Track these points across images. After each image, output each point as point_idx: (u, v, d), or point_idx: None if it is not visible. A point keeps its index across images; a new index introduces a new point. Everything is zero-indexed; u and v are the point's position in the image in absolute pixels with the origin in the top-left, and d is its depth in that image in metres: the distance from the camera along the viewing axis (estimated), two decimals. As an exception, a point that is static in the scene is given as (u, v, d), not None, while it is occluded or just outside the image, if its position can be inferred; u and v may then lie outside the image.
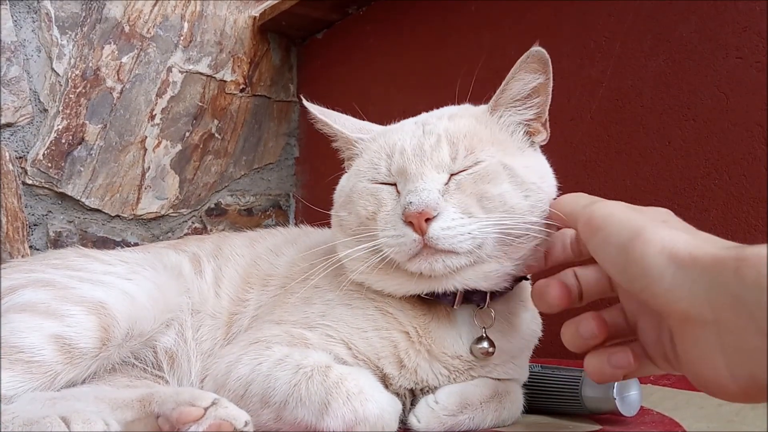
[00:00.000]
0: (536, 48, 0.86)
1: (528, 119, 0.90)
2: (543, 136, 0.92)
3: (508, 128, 0.90)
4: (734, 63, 1.15)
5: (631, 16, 1.31)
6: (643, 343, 0.65)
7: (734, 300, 0.47)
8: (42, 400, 0.77)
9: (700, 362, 0.53)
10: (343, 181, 0.96)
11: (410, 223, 0.79)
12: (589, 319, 0.68)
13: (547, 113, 0.90)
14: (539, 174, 0.87)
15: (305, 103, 1.04)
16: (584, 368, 0.69)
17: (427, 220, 0.78)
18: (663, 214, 0.63)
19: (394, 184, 0.87)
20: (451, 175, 0.84)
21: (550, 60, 0.87)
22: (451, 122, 0.89)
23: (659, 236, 0.55)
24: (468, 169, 0.84)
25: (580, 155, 1.37)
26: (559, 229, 0.82)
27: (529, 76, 0.87)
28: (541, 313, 1.00)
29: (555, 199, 0.84)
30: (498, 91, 0.89)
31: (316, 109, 1.01)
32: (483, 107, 0.93)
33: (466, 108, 0.96)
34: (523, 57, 0.86)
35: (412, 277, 0.83)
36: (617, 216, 0.61)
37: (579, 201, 0.71)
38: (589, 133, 1.37)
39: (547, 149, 0.96)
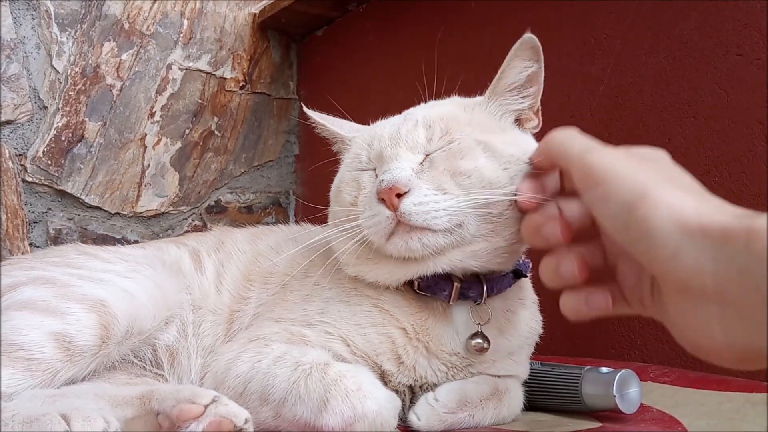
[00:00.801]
0: (528, 35, 0.87)
1: (522, 109, 0.90)
2: (534, 123, 0.92)
3: (498, 116, 0.90)
4: (734, 60, 1.15)
5: (631, 13, 1.31)
6: (621, 284, 0.62)
7: (741, 272, 0.46)
8: (42, 397, 0.77)
9: (692, 328, 0.51)
10: (336, 177, 0.98)
11: (383, 201, 0.79)
12: (571, 259, 0.63)
13: (539, 102, 0.91)
14: (520, 147, 0.85)
15: (304, 108, 1.06)
16: (560, 305, 0.65)
17: (400, 196, 0.78)
18: (666, 165, 0.59)
19: (375, 170, 0.88)
20: (427, 155, 0.84)
21: (541, 48, 0.87)
22: (431, 109, 0.91)
23: (667, 199, 0.52)
24: (442, 148, 0.84)
25: (580, 153, 1.36)
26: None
27: (524, 64, 0.88)
28: (541, 311, 1.00)
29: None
30: (495, 80, 0.89)
31: (314, 114, 1.03)
32: (477, 98, 0.93)
33: (455, 98, 0.96)
34: (516, 44, 0.87)
35: (398, 262, 0.83)
36: (620, 171, 0.56)
37: (573, 144, 0.64)
38: (590, 130, 1.35)
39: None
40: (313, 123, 1.04)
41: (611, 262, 0.64)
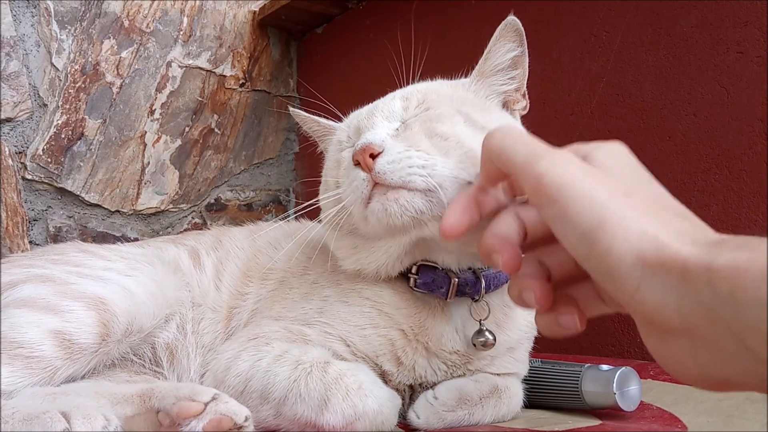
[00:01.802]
0: (511, 17, 0.87)
1: (508, 91, 0.90)
2: (522, 104, 0.92)
3: (480, 94, 0.90)
4: (735, 58, 1.15)
5: (631, 10, 1.31)
6: (596, 286, 0.58)
7: (708, 311, 0.43)
8: (42, 395, 0.77)
9: (666, 360, 0.49)
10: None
11: (359, 164, 0.78)
12: (530, 289, 0.58)
13: (525, 85, 0.91)
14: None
15: (291, 109, 1.07)
16: (535, 321, 0.62)
17: (374, 157, 0.76)
18: (623, 169, 0.54)
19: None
20: (403, 123, 0.84)
21: (524, 31, 0.88)
22: (412, 86, 0.91)
23: (626, 229, 0.47)
24: (418, 115, 0.84)
25: (580, 150, 1.36)
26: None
27: (509, 45, 0.88)
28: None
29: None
30: (480, 61, 0.90)
31: (300, 112, 1.05)
32: (462, 80, 0.93)
33: (439, 81, 0.96)
34: (500, 26, 0.88)
35: (387, 236, 0.81)
36: (576, 189, 0.50)
37: (516, 149, 0.56)
38: (590, 127, 1.37)
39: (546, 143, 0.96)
40: (301, 121, 1.05)
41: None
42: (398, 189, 0.75)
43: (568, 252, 0.54)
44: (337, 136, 0.95)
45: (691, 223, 0.50)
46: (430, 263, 0.85)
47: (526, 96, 0.92)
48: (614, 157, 0.56)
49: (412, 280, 0.86)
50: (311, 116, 1.03)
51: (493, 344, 0.86)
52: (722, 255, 0.43)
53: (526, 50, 0.88)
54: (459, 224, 0.63)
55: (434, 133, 0.79)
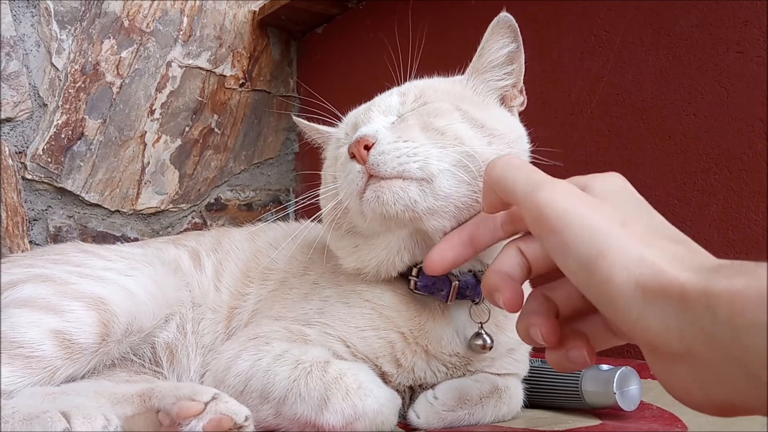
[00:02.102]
0: (504, 14, 0.87)
1: (505, 86, 0.90)
2: (520, 100, 0.92)
3: (478, 91, 0.90)
4: (735, 57, 1.15)
5: (631, 10, 1.31)
6: (604, 319, 0.59)
7: (708, 336, 0.43)
8: (42, 395, 0.77)
9: (671, 386, 0.49)
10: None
11: (353, 156, 0.78)
12: (537, 326, 0.59)
13: (522, 81, 0.91)
14: (505, 124, 0.84)
15: (294, 118, 1.08)
16: (546, 358, 0.62)
17: (368, 149, 0.76)
18: (622, 198, 0.55)
19: None
20: (399, 117, 0.84)
21: (518, 27, 0.88)
22: (410, 82, 0.92)
23: (625, 258, 0.48)
24: (415, 109, 0.84)
25: (580, 150, 1.36)
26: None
27: (502, 41, 0.88)
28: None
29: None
30: (474, 58, 0.90)
31: (302, 122, 1.06)
32: (458, 76, 0.93)
33: (437, 78, 0.97)
34: (493, 23, 0.88)
35: (384, 230, 0.81)
36: (575, 219, 0.51)
37: (516, 179, 0.58)
38: (590, 127, 1.37)
39: (547, 144, 0.96)
40: (303, 129, 1.06)
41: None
42: (392, 179, 0.75)
43: (573, 286, 0.55)
44: (336, 134, 0.95)
45: (689, 248, 0.51)
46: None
47: (524, 92, 0.91)
48: (612, 186, 0.57)
49: (412, 282, 0.85)
50: (312, 125, 1.03)
51: (491, 347, 0.86)
52: (720, 281, 0.43)
53: (521, 46, 0.88)
54: (443, 260, 0.68)
55: (430, 127, 0.79)
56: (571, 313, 0.61)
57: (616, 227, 0.50)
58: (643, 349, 0.51)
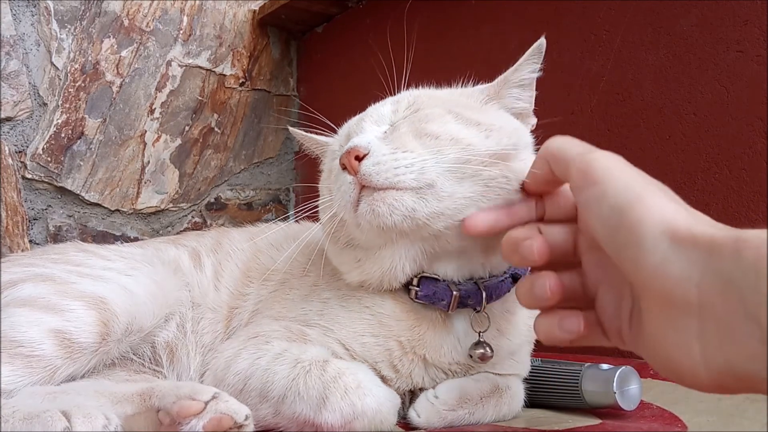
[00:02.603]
0: (543, 40, 0.87)
1: (518, 107, 0.90)
2: (533, 122, 0.92)
3: (484, 100, 0.89)
4: (735, 56, 1.15)
5: (631, 9, 1.31)
6: (599, 315, 0.61)
7: (727, 283, 0.45)
8: (42, 394, 0.77)
9: (670, 346, 0.50)
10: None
11: (345, 168, 0.76)
12: (545, 278, 0.62)
13: (533, 104, 0.91)
14: (500, 120, 0.83)
15: (290, 129, 1.08)
16: (534, 327, 0.64)
17: (360, 160, 0.75)
18: (660, 183, 0.58)
19: None
20: (392, 126, 0.83)
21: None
22: (406, 91, 0.91)
23: (660, 206, 0.51)
24: (407, 117, 0.83)
25: (580, 149, 1.36)
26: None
27: (533, 66, 0.88)
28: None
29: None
30: (509, 71, 0.88)
31: (299, 133, 1.05)
32: (478, 87, 0.92)
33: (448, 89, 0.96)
34: (535, 45, 0.86)
35: (385, 242, 0.80)
36: (619, 173, 0.56)
37: (572, 146, 0.63)
38: (590, 126, 1.36)
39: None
40: (300, 139, 1.05)
41: (590, 291, 0.63)
42: (386, 189, 0.73)
43: (581, 275, 0.62)
44: (331, 146, 0.94)
45: (722, 224, 0.53)
46: (431, 275, 0.83)
47: (532, 116, 0.92)
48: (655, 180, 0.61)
49: (413, 291, 0.84)
50: (309, 135, 1.02)
51: (491, 357, 0.85)
52: (749, 232, 0.46)
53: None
54: (484, 220, 0.70)
55: (423, 133, 0.78)
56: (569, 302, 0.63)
57: (654, 189, 0.54)
58: (649, 301, 0.52)
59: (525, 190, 0.72)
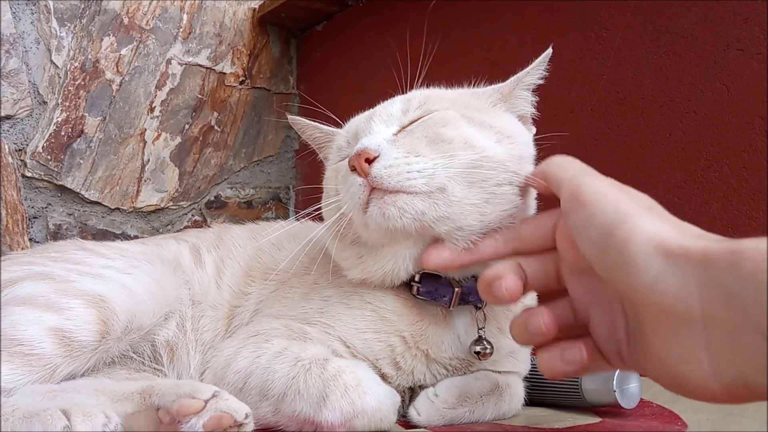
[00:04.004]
0: (551, 50, 0.88)
1: (523, 111, 0.90)
2: (532, 130, 0.92)
3: (491, 101, 0.90)
4: (735, 55, 1.15)
5: (631, 8, 1.31)
6: (595, 339, 0.61)
7: (727, 295, 0.44)
8: (42, 392, 0.77)
9: (677, 360, 0.49)
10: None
11: (354, 169, 0.76)
12: (538, 314, 0.62)
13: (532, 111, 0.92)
14: (511, 126, 0.84)
15: (289, 117, 1.06)
16: (537, 364, 0.64)
17: (370, 162, 0.75)
18: (649, 200, 0.59)
19: None
20: (402, 127, 0.83)
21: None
22: (416, 90, 0.91)
23: (648, 224, 0.51)
24: (420, 119, 0.82)
25: (580, 148, 1.36)
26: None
27: (542, 73, 0.89)
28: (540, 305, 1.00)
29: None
30: (521, 73, 0.89)
31: (302, 120, 1.03)
32: (486, 88, 0.93)
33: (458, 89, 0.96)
34: (546, 53, 0.89)
35: (390, 241, 0.80)
36: (607, 195, 0.56)
37: (567, 168, 0.64)
38: (590, 125, 1.36)
39: (546, 141, 0.96)
40: (301, 128, 1.03)
41: (582, 317, 0.62)
42: (396, 193, 0.74)
43: (570, 303, 0.62)
44: (337, 142, 0.93)
45: (712, 234, 0.53)
46: (432, 272, 0.84)
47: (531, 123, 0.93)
48: (645, 196, 0.61)
49: (414, 287, 0.85)
50: (312, 123, 1.01)
51: (491, 354, 0.85)
52: (744, 242, 0.45)
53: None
54: (439, 259, 0.74)
55: (438, 138, 0.78)
56: (563, 332, 0.63)
57: (643, 209, 0.54)
58: (651, 318, 0.51)
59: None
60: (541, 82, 0.89)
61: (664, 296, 0.48)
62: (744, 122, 1.13)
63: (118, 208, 1.92)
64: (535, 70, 0.89)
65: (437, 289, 0.84)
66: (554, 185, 0.64)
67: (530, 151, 0.85)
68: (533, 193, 0.82)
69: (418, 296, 0.85)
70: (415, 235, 0.78)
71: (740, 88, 1.14)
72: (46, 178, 1.79)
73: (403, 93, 0.92)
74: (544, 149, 0.94)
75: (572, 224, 0.58)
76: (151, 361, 0.97)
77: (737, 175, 1.13)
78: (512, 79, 0.90)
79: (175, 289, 1.00)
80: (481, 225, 0.76)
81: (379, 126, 0.84)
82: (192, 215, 2.07)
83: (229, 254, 1.08)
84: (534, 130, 0.92)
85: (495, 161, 0.76)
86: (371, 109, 0.90)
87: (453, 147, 0.77)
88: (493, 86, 0.91)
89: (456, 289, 0.83)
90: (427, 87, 0.94)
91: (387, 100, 0.92)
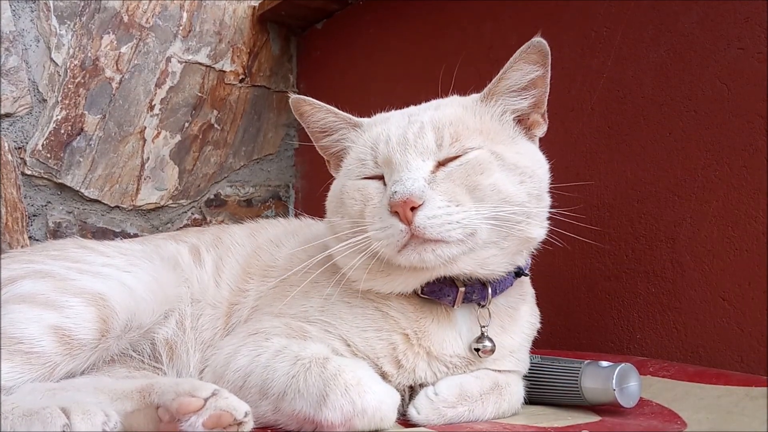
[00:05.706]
0: (537, 39, 0.86)
1: (521, 108, 0.90)
2: (542, 129, 0.92)
3: (500, 117, 0.90)
4: (735, 54, 1.15)
5: (632, 6, 1.31)
6: None
7: None
8: (42, 390, 0.77)
9: None
10: (333, 185, 0.96)
11: (396, 213, 0.78)
12: None
13: (545, 105, 0.91)
14: (532, 159, 0.88)
15: (294, 97, 0.98)
16: None
17: (414, 209, 0.77)
18: None
19: (381, 177, 0.87)
20: (439, 163, 0.84)
21: (549, 52, 0.87)
22: (437, 111, 0.90)
23: None
24: (457, 158, 0.84)
25: (581, 146, 1.36)
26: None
27: (528, 67, 0.88)
28: (539, 305, 1.01)
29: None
30: (494, 80, 0.89)
31: (313, 101, 0.97)
32: (474, 96, 0.93)
33: (454, 98, 0.96)
34: (523, 47, 0.86)
35: (411, 271, 0.83)
36: None
37: None
38: (590, 124, 1.36)
39: (548, 140, 0.96)
40: (309, 110, 0.96)
41: None
42: (436, 242, 0.78)
43: None
44: (356, 152, 0.92)
45: None
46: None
47: (546, 116, 0.92)
48: None
49: (419, 287, 0.87)
50: (325, 105, 0.97)
51: (493, 352, 0.86)
52: None
53: (549, 71, 0.89)
54: None
55: (476, 186, 0.82)
56: None
57: None
58: None
59: None
60: (533, 75, 0.90)
61: None
62: (744, 121, 1.13)
63: (118, 206, 1.91)
64: (511, 73, 0.90)
65: (441, 289, 0.86)
66: None
67: (546, 181, 0.89)
68: (546, 200, 0.88)
69: (423, 295, 0.86)
70: (437, 269, 0.82)
71: (740, 86, 1.14)
72: (46, 176, 1.79)
73: (404, 91, 0.92)
74: (550, 151, 0.94)
75: None
76: (150, 360, 0.97)
77: (737, 174, 1.13)
78: (485, 91, 0.91)
79: (175, 287, 1.00)
80: (497, 250, 0.83)
81: (416, 160, 0.84)
82: (192, 213, 2.07)
83: (227, 253, 1.08)
84: (544, 126, 0.93)
85: (517, 204, 0.82)
86: (399, 130, 0.87)
87: (486, 195, 0.81)
88: (483, 99, 0.91)
89: (460, 289, 0.85)
90: (430, 84, 0.94)
91: (389, 100, 0.91)
